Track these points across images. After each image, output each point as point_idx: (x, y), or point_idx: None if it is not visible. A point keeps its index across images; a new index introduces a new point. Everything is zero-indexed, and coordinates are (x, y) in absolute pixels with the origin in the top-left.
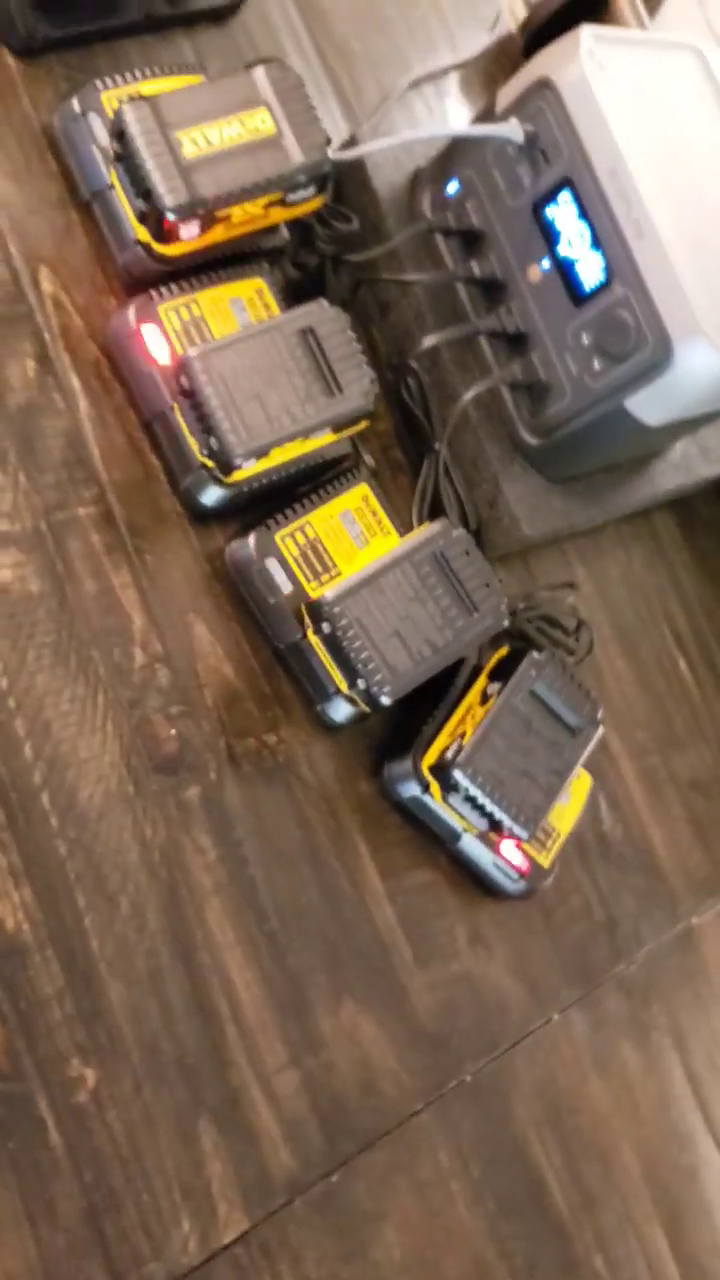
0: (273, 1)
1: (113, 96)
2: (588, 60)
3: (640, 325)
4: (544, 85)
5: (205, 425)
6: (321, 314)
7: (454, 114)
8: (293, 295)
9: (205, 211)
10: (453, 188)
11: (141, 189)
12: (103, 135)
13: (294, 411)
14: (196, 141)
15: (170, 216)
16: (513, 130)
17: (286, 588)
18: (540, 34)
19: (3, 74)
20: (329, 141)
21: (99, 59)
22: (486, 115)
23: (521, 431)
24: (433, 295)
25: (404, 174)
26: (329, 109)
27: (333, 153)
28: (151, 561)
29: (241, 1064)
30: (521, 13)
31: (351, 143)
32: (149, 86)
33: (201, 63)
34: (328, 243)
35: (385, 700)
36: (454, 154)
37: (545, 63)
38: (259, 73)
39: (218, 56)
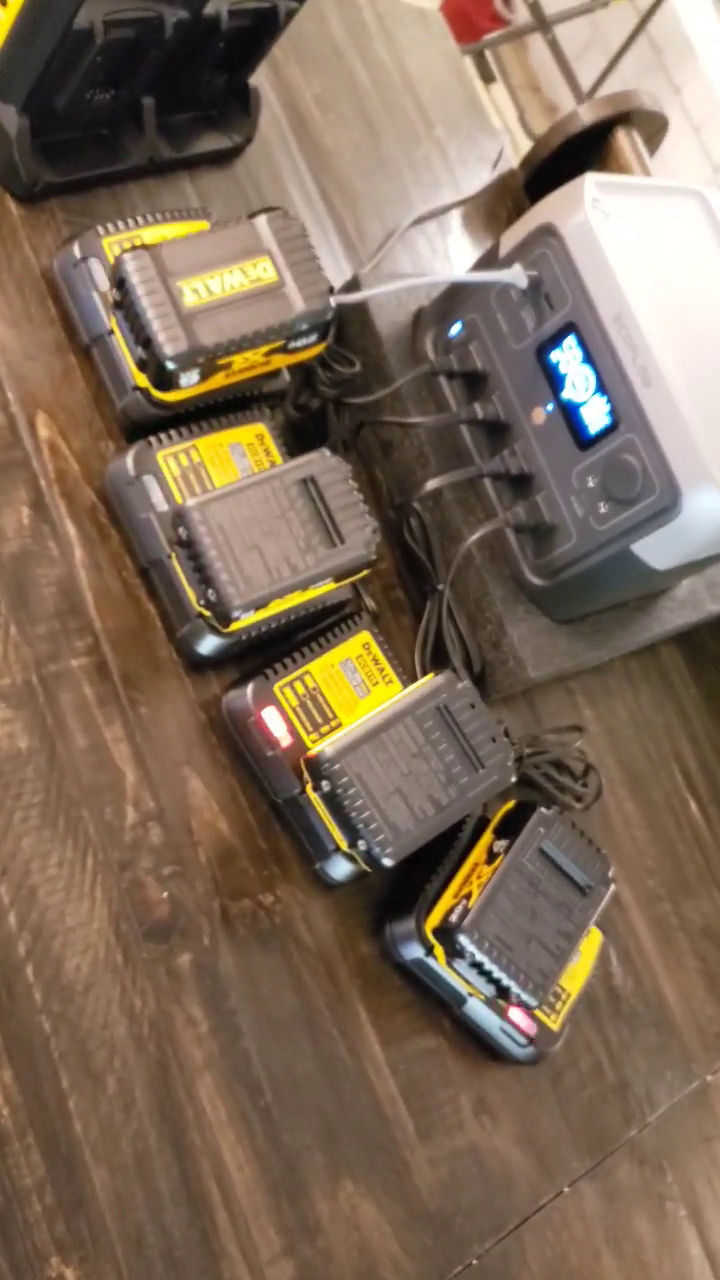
0: (276, 142)
1: (114, 242)
2: (592, 208)
3: (648, 470)
4: (548, 232)
5: (203, 576)
6: (323, 463)
7: (457, 252)
8: (294, 438)
9: (206, 360)
10: (455, 329)
11: (141, 337)
12: (103, 280)
13: (294, 562)
14: (198, 290)
15: (170, 365)
16: (516, 276)
17: (285, 740)
18: (542, 171)
19: (4, 219)
20: (331, 290)
21: (101, 203)
22: (490, 259)
23: (526, 573)
24: (436, 437)
25: (406, 314)
26: (332, 248)
27: (335, 298)
28: (146, 713)
29: (233, 1254)
30: (522, 151)
31: (354, 285)
32: (151, 233)
33: (205, 206)
34: (330, 386)
35: (387, 862)
36: (457, 296)
37: (549, 209)
38: (261, 221)
39: (221, 198)
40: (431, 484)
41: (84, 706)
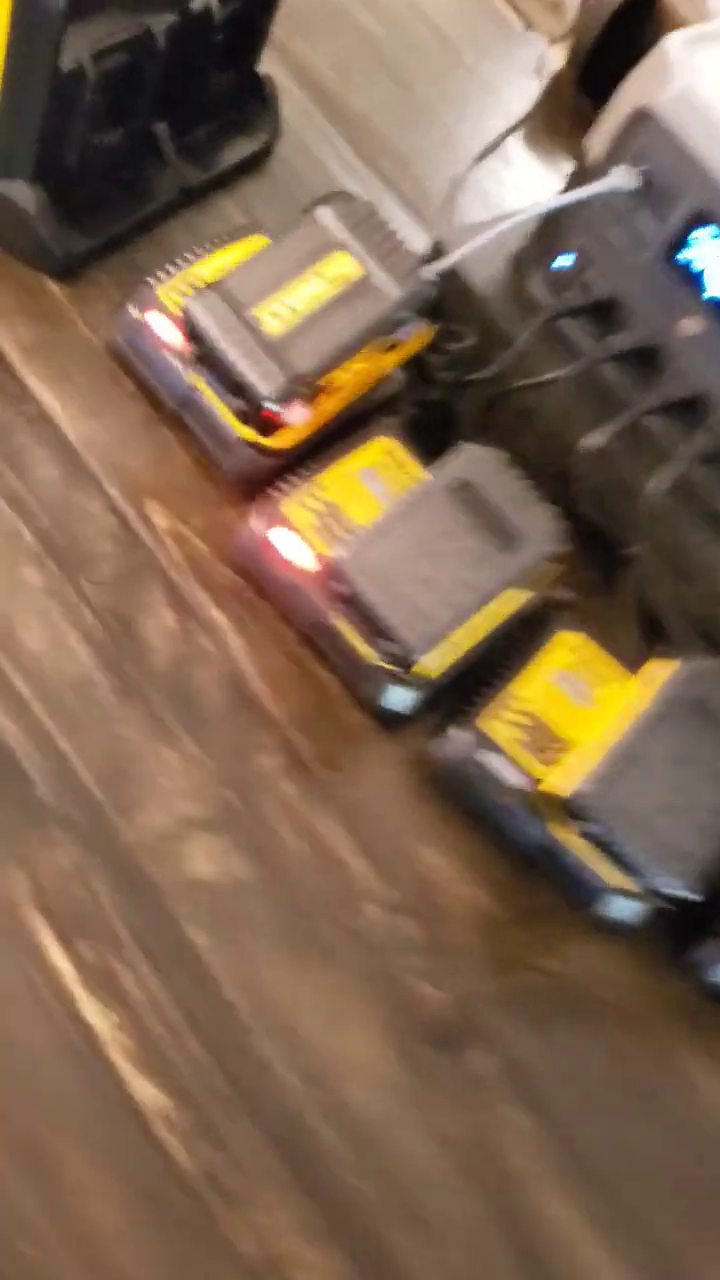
0: (305, 127)
1: (171, 290)
2: (684, 71)
3: None
4: (643, 117)
5: (374, 628)
6: (470, 459)
7: (529, 180)
8: (423, 439)
9: (308, 387)
10: (564, 261)
11: (233, 385)
12: (172, 334)
13: (469, 579)
14: (277, 313)
15: (271, 407)
16: (623, 178)
17: (513, 779)
18: (593, 63)
19: (49, 304)
20: (423, 263)
21: (143, 252)
22: (581, 173)
23: None
24: (576, 388)
25: (502, 265)
26: (398, 221)
27: (427, 272)
28: (353, 793)
29: None
30: (564, 48)
31: (438, 253)
32: (207, 267)
33: (254, 218)
34: (446, 369)
35: (691, 894)
36: (555, 225)
37: (634, 91)
38: (323, 213)
39: (267, 205)
40: (590, 440)
41: (289, 807)
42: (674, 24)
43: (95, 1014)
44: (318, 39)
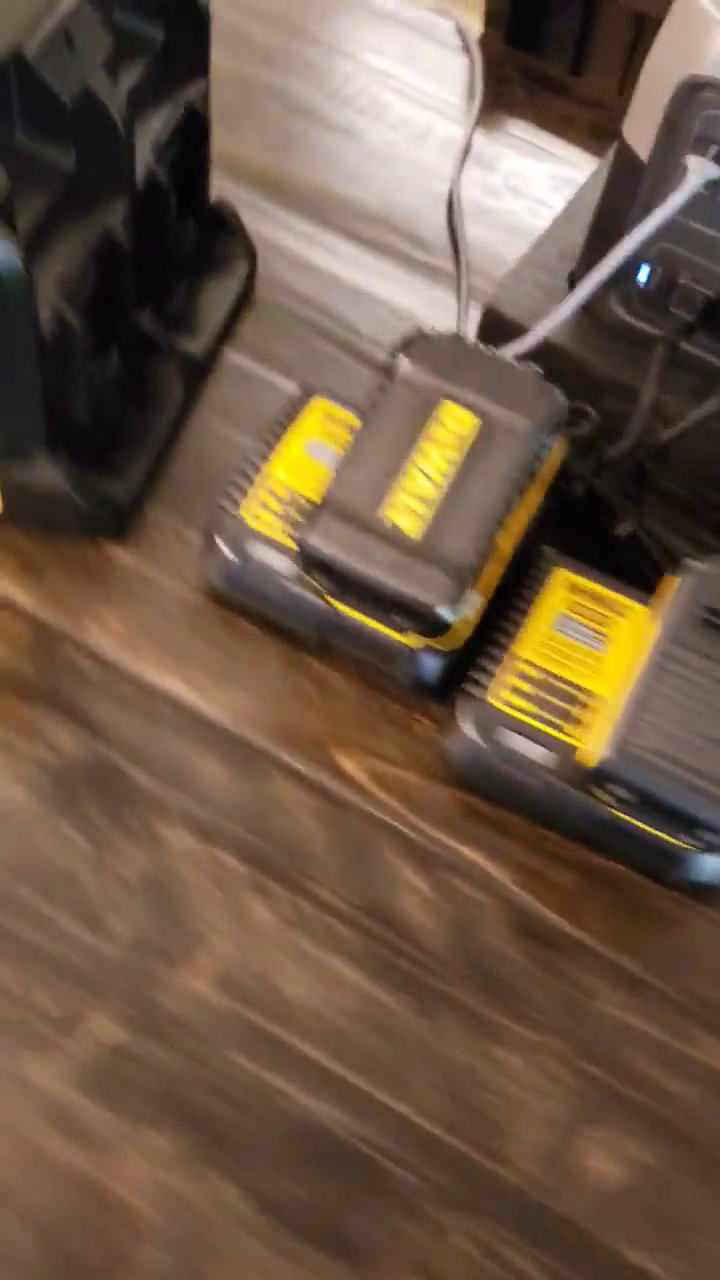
0: (267, 226)
1: (255, 507)
2: None
3: None
4: (695, 88)
5: (677, 820)
6: (700, 578)
7: (529, 175)
8: (593, 550)
9: (474, 575)
10: (645, 274)
11: (390, 608)
12: (281, 561)
13: None
14: (408, 508)
15: (449, 618)
16: (703, 169)
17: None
18: (519, 13)
19: (120, 573)
20: (535, 370)
21: (190, 469)
22: (632, 168)
23: None
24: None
25: (567, 309)
26: (427, 296)
27: (519, 358)
28: (706, 990)
29: None
30: (477, 9)
31: (497, 321)
32: (281, 464)
33: (273, 361)
34: (583, 458)
35: None
36: (610, 242)
37: (669, 61)
38: (406, 367)
39: (276, 340)
40: None
41: (654, 1046)
42: None
43: None
44: (237, 125)
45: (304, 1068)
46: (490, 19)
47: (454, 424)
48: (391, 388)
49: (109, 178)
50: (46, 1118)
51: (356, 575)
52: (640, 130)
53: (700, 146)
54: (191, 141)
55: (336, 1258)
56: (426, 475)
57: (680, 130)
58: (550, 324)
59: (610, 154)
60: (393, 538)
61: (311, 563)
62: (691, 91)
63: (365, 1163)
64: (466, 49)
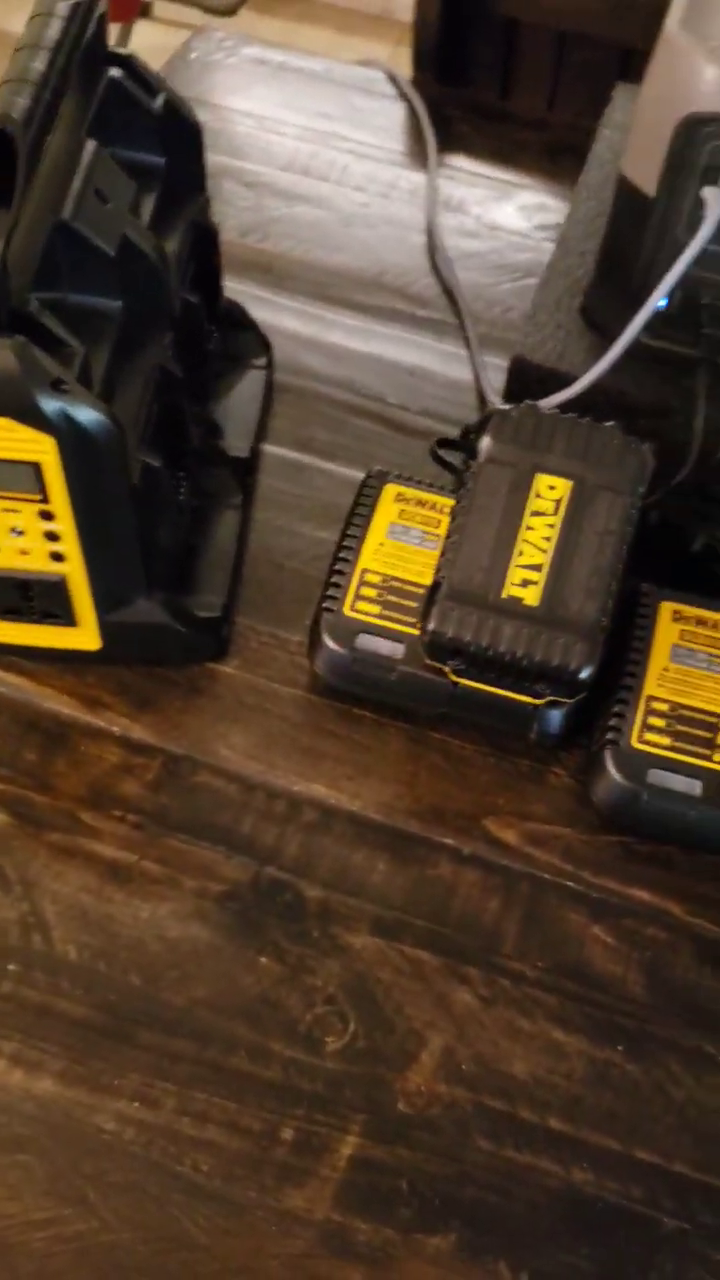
0: (267, 314)
1: (356, 601)
2: (713, 55)
3: None
4: (696, 124)
5: None
6: None
7: (505, 210)
8: (661, 562)
9: (603, 630)
10: (664, 302)
11: (531, 677)
12: (392, 648)
13: None
14: (525, 580)
15: (589, 678)
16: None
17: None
18: (442, 48)
19: (229, 687)
20: (614, 426)
21: (260, 570)
22: (641, 209)
23: None
24: None
25: (587, 344)
26: (443, 354)
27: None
28: None
29: None
30: (405, 54)
31: (544, 373)
32: (371, 555)
33: (374, 470)
34: (652, 500)
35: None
36: (625, 271)
37: (661, 98)
38: (492, 448)
39: (306, 423)
40: None
41: None
42: None
43: None
44: (225, 214)
45: (550, 1140)
46: (420, 60)
47: (549, 492)
48: (481, 468)
49: (154, 314)
50: (324, 1245)
51: (491, 655)
52: (643, 167)
53: (712, 176)
54: (204, 254)
55: None
56: (534, 545)
57: (687, 164)
58: (601, 368)
59: (583, 176)
60: (516, 611)
61: (441, 650)
62: (693, 127)
63: (631, 1219)
64: (404, 96)
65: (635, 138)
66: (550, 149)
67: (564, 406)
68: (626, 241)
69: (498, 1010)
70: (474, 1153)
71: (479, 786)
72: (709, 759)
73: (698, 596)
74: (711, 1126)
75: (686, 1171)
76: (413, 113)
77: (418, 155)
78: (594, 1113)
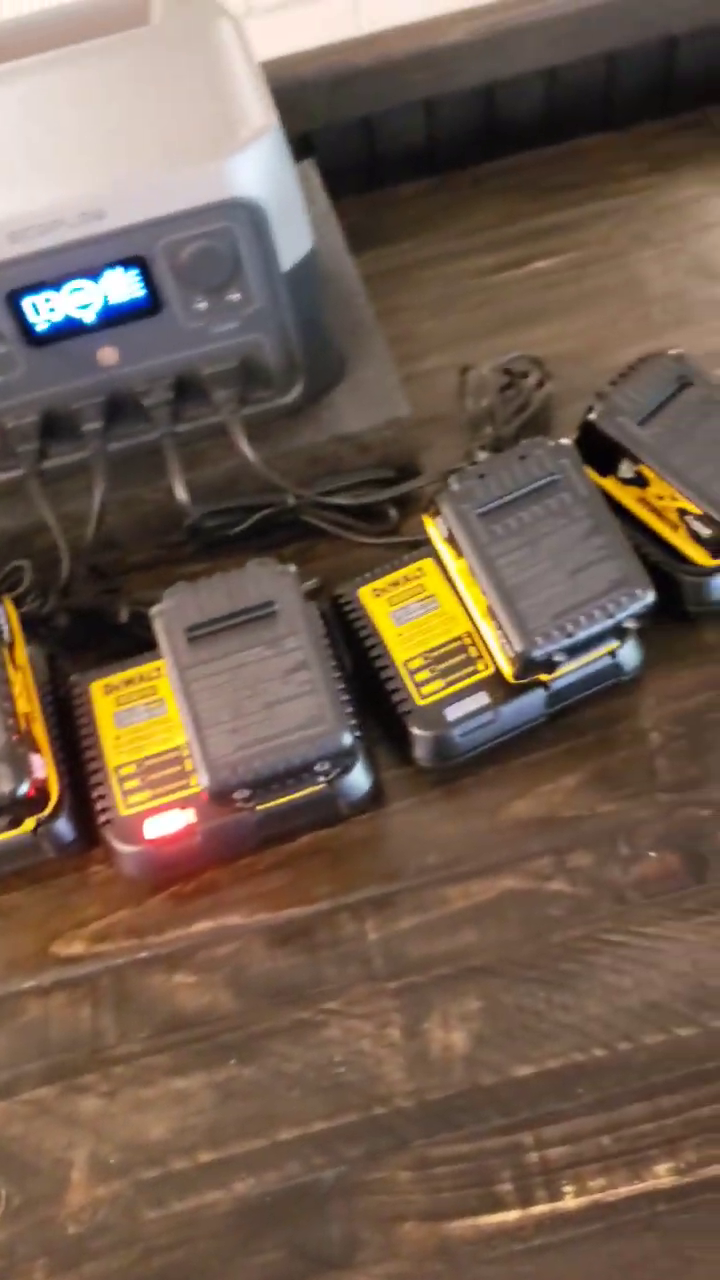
0: None
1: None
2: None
3: None
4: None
5: None
6: (167, 612)
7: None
8: (110, 642)
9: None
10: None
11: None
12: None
13: None
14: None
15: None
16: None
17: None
18: None
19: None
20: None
21: None
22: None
23: None
24: None
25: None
26: None
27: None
28: None
29: None
30: None
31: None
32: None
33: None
34: (46, 597)
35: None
36: None
37: None
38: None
39: None
40: None
41: None
42: None
43: None
44: None
45: (205, 1173)
46: None
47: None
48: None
49: None
50: None
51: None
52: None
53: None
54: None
55: None
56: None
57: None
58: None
59: None
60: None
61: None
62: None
63: (300, 1192)
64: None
65: None
66: None
67: None
68: None
69: (123, 1095)
70: (147, 1226)
71: (33, 922)
72: (187, 788)
73: (120, 661)
74: (327, 1078)
75: (324, 1125)
76: None
77: None
78: (233, 1126)
